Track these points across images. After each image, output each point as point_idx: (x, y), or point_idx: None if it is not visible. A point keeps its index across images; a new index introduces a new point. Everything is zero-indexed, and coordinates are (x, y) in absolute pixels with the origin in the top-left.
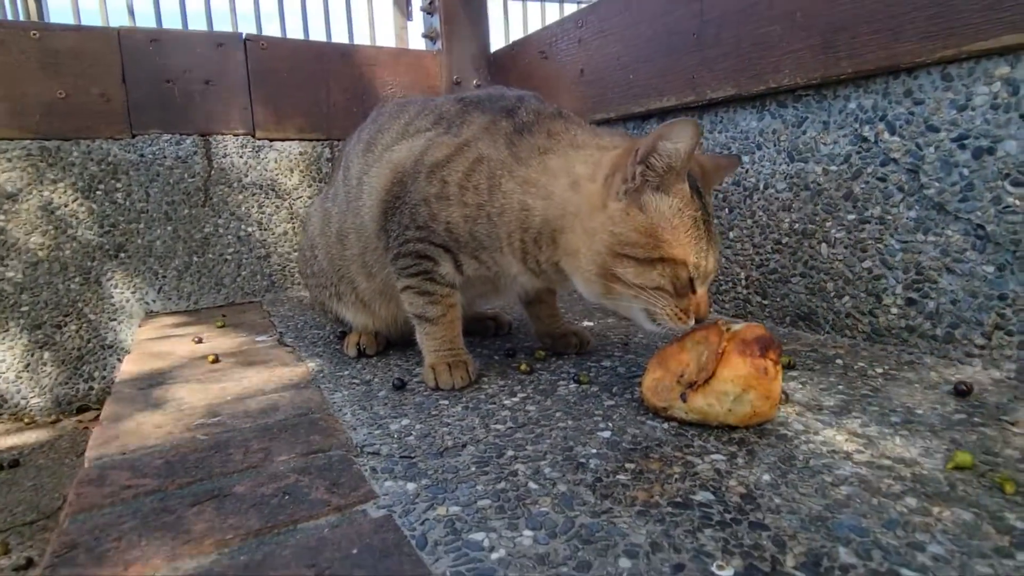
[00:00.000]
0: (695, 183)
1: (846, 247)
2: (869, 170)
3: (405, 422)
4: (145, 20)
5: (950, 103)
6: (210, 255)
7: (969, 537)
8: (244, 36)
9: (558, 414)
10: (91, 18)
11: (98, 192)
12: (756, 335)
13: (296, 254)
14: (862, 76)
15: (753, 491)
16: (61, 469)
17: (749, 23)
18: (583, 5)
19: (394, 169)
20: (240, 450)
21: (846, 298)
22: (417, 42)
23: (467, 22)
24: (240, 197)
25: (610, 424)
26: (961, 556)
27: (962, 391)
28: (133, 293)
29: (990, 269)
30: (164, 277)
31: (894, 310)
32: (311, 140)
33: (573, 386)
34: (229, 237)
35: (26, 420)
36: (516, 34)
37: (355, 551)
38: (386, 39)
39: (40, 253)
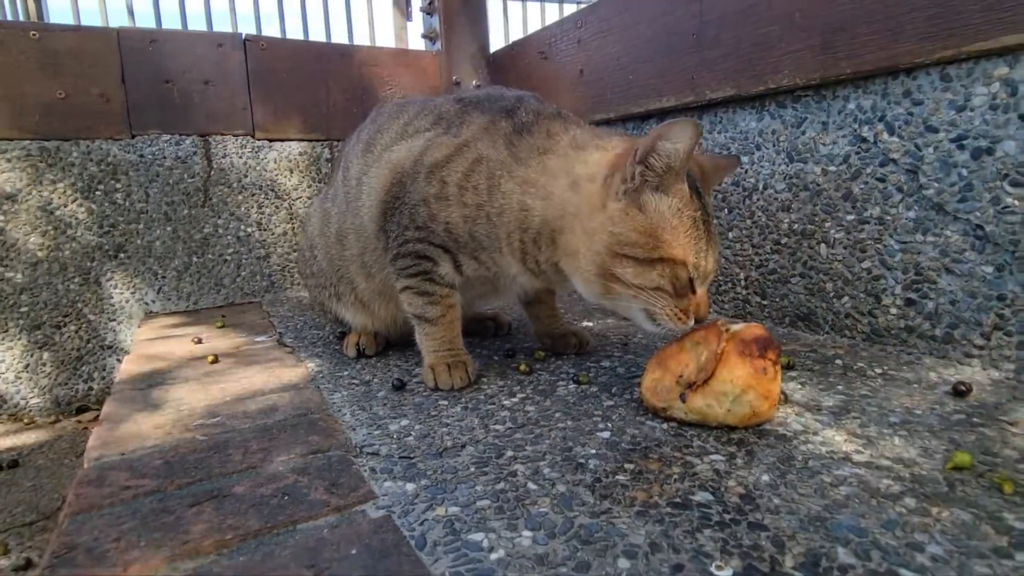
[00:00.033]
0: (694, 183)
1: (845, 247)
2: (868, 170)
3: (404, 422)
4: (145, 20)
5: (949, 103)
6: (210, 255)
7: (968, 537)
8: (244, 36)
9: (557, 414)
10: (91, 18)
11: (98, 192)
12: (755, 335)
13: (295, 254)
14: (861, 77)
15: (752, 491)
16: (60, 470)
17: (748, 24)
18: (583, 5)
19: (393, 169)
20: (239, 451)
21: (845, 298)
22: (417, 42)
23: (466, 22)
24: (240, 197)
25: (609, 424)
26: (960, 556)
27: (961, 391)
28: (132, 293)
29: (989, 269)
30: (164, 277)
31: (893, 310)
32: (310, 140)
33: (572, 386)
34: (229, 237)
35: (25, 420)
36: (516, 34)
37: (354, 551)
38: (386, 39)
39: (40, 253)
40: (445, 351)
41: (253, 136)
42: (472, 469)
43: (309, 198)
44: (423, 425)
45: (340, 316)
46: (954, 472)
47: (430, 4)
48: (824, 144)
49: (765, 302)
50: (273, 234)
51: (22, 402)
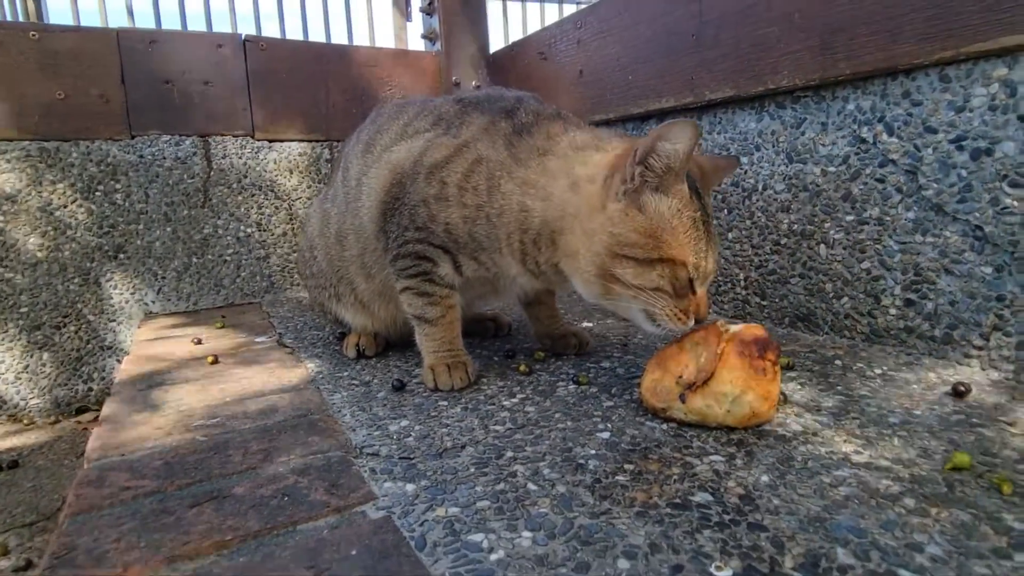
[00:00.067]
0: (694, 184)
1: (845, 248)
2: (867, 171)
3: (404, 423)
4: (144, 21)
5: (948, 104)
6: (209, 256)
7: (967, 538)
8: (243, 37)
9: (557, 415)
10: (90, 19)
11: (97, 193)
12: (755, 336)
13: (295, 255)
14: (860, 77)
15: (752, 492)
16: (60, 470)
17: (747, 24)
18: (582, 6)
19: (393, 170)
20: (239, 451)
21: (845, 299)
22: (416, 43)
23: (466, 23)
24: (239, 198)
25: (609, 425)
26: (959, 557)
27: (960, 392)
28: (132, 294)
29: (988, 270)
30: (163, 278)
31: (892, 311)
32: (310, 141)
33: (572, 387)
34: (228, 238)
35: (25, 421)
36: (515, 35)
37: (354, 552)
38: (385, 40)
39: (39, 254)
40: (445, 352)
41: (253, 137)
42: (472, 470)
43: (309, 199)
44: (423, 426)
45: (340, 317)
46: (953, 473)
47: (430, 4)
48: (823, 145)
49: (764, 303)
50: (273, 235)
51: (22, 403)
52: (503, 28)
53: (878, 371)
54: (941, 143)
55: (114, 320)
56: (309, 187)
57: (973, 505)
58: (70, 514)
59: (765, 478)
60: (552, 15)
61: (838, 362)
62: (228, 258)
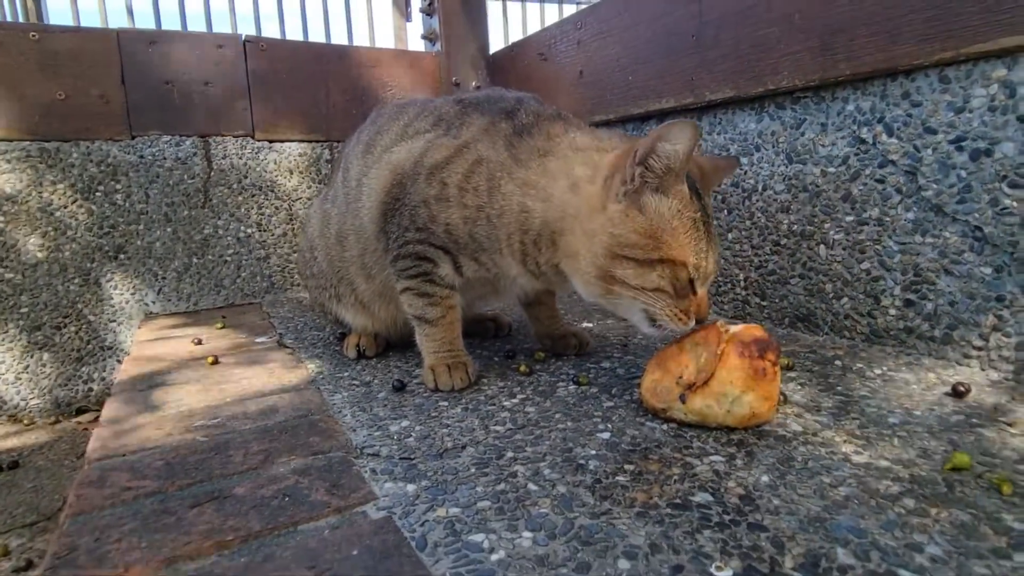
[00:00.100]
0: (694, 184)
1: (844, 248)
2: (867, 172)
3: (405, 423)
4: (144, 21)
5: (948, 105)
6: (210, 256)
7: (967, 538)
8: (244, 37)
9: (557, 415)
10: (90, 19)
11: (98, 193)
12: (755, 336)
13: (295, 255)
14: (860, 78)
15: (752, 492)
16: (60, 471)
17: (747, 25)
18: (582, 6)
19: (393, 171)
20: (240, 452)
21: (844, 299)
22: (416, 43)
23: (466, 23)
24: (240, 198)
25: (609, 425)
26: (959, 557)
27: (960, 392)
28: (133, 294)
29: (988, 271)
30: (164, 278)
31: (892, 311)
32: (310, 141)
33: (572, 387)
34: (229, 238)
35: (25, 421)
36: (515, 35)
37: (355, 552)
38: (385, 40)
39: (40, 254)
40: (445, 352)
41: (253, 137)
42: (472, 470)
43: (309, 199)
44: (423, 426)
45: (340, 317)
46: (953, 473)
47: (430, 5)
48: (823, 145)
49: (764, 303)
50: (273, 235)
51: (22, 403)
52: (503, 28)
53: (878, 371)
54: (941, 144)
55: (114, 320)
56: (309, 187)
57: (973, 505)
58: (71, 514)
59: (765, 478)
60: (552, 15)
61: (838, 362)
62: (228, 258)
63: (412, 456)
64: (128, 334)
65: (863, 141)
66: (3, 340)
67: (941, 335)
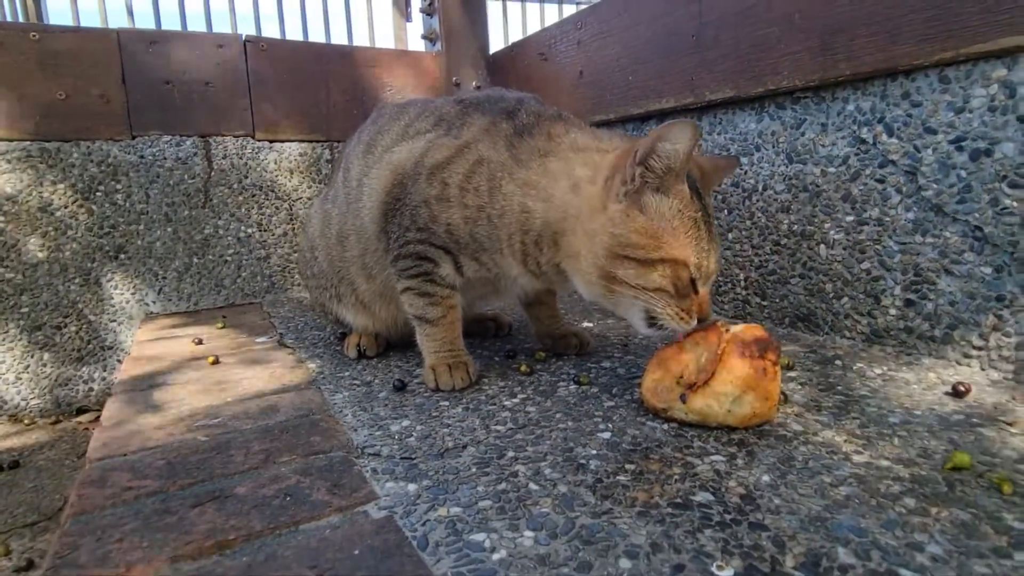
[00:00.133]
0: (694, 184)
1: (845, 248)
2: (867, 172)
3: (406, 423)
4: (144, 21)
5: (948, 105)
6: (210, 256)
7: (967, 537)
8: (244, 37)
9: (558, 415)
10: (90, 19)
11: (98, 193)
12: (755, 336)
13: (296, 255)
14: (860, 78)
15: (752, 492)
16: (61, 470)
17: (747, 25)
18: (582, 6)
19: (394, 171)
20: (241, 451)
21: (845, 299)
22: (416, 43)
23: (466, 23)
24: (240, 198)
25: (610, 425)
26: (959, 556)
27: (960, 392)
28: (133, 294)
29: (988, 270)
30: (164, 278)
31: (892, 311)
32: (311, 141)
33: (573, 387)
34: (229, 238)
35: (26, 421)
36: (515, 36)
37: (357, 552)
38: (385, 41)
39: (40, 254)
40: (446, 352)
41: (253, 137)
42: (474, 470)
43: (309, 199)
44: (424, 426)
45: (341, 317)
46: (953, 472)
47: (430, 5)
48: (823, 145)
49: (765, 303)
50: (273, 235)
51: (23, 403)
52: (503, 29)
53: (878, 371)
54: (941, 144)
55: (115, 320)
56: (310, 187)
57: (973, 505)
58: (72, 514)
59: (766, 478)
60: (552, 16)
61: (838, 362)
62: (229, 258)
63: (413, 456)
64: (128, 334)
65: (863, 141)
66: (4, 340)
67: (941, 335)
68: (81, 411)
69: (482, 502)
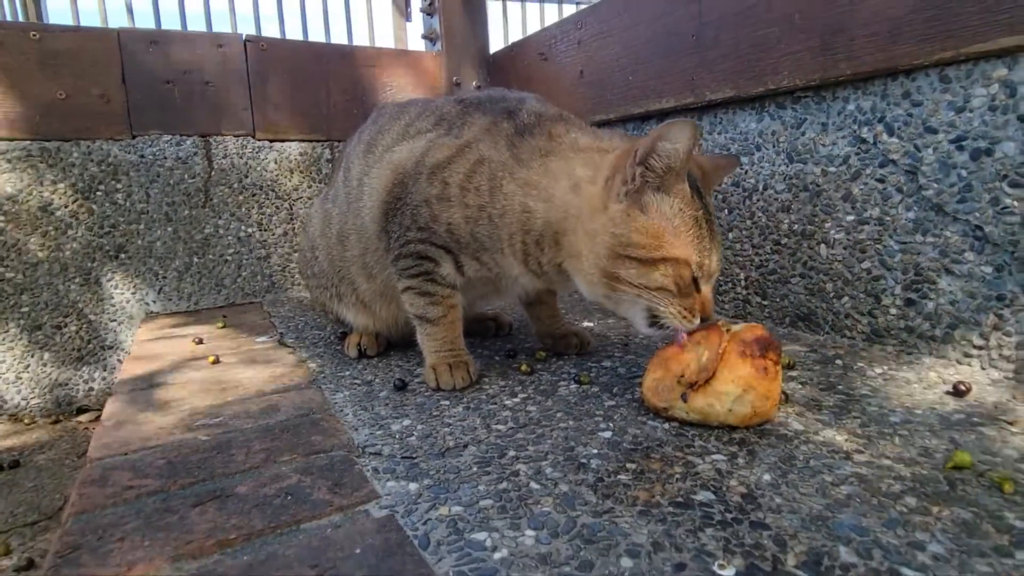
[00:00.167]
0: (695, 183)
1: (845, 248)
2: (868, 171)
3: (406, 422)
4: (144, 21)
5: (948, 105)
6: (210, 256)
7: (969, 536)
8: (244, 37)
9: (559, 414)
10: (90, 19)
11: (98, 193)
12: (756, 336)
13: (296, 255)
14: (861, 78)
15: (754, 491)
16: (61, 470)
17: (748, 25)
18: (582, 6)
19: (395, 170)
20: (242, 450)
21: (845, 299)
22: (416, 43)
23: (466, 23)
24: (240, 198)
25: (611, 424)
26: (961, 555)
27: (961, 391)
28: (133, 294)
29: (988, 270)
30: (164, 278)
31: (893, 311)
32: (311, 141)
33: (574, 386)
34: (229, 238)
35: (26, 421)
36: (515, 35)
37: (358, 551)
38: (385, 40)
39: (40, 254)
40: (447, 351)
41: (254, 136)
42: (475, 469)
43: (310, 199)
44: (425, 425)
45: (341, 316)
46: (954, 471)
47: (430, 5)
48: (824, 145)
49: (765, 302)
50: (274, 234)
51: (23, 402)
52: (503, 28)
53: (879, 370)
54: (941, 143)
55: (115, 320)
56: (310, 187)
57: (974, 504)
58: (73, 513)
59: (767, 477)
60: (552, 16)
61: (839, 361)
62: (229, 258)
63: (414, 455)
64: (129, 333)
65: (864, 141)
66: (4, 339)
67: (942, 334)
68: (81, 411)
69: (483, 501)
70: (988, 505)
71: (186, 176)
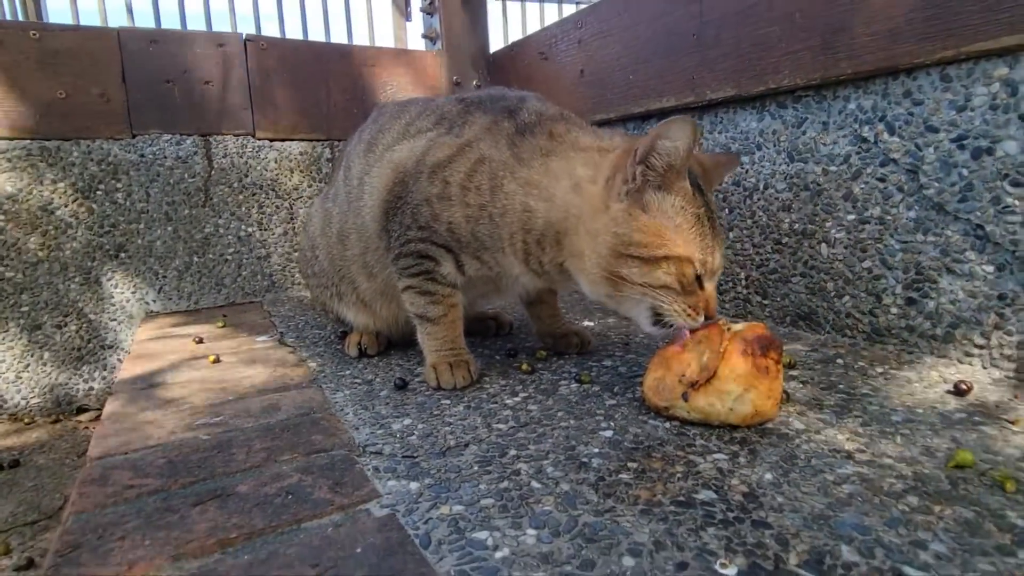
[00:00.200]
0: (696, 181)
1: (846, 247)
2: (869, 170)
3: (407, 422)
4: (144, 20)
5: (949, 104)
6: (210, 255)
7: (971, 535)
8: (244, 36)
9: (560, 413)
10: (90, 18)
11: (98, 192)
12: (757, 334)
13: (296, 254)
14: (861, 77)
15: (755, 490)
16: (61, 469)
17: (748, 24)
18: (582, 6)
19: (395, 169)
20: (242, 450)
21: (846, 298)
22: (416, 43)
23: (467, 22)
24: (240, 197)
25: (612, 423)
26: (963, 554)
27: (962, 390)
28: (133, 293)
29: (989, 269)
30: (164, 277)
31: (894, 310)
32: (311, 140)
33: (575, 386)
34: (229, 237)
35: (26, 420)
36: (514, 35)
37: (359, 550)
38: (384, 40)
39: (40, 253)
40: (447, 350)
41: (254, 136)
42: (476, 468)
43: (310, 198)
44: (426, 424)
45: (342, 316)
46: (956, 470)
47: (430, 4)
48: (825, 144)
49: (766, 301)
50: (274, 234)
51: (23, 402)
52: (503, 28)
53: (880, 369)
54: (942, 142)
55: (115, 319)
56: (310, 186)
57: (976, 503)
58: (74, 512)
59: (769, 476)
60: (551, 15)
61: (840, 361)
62: (229, 257)
63: (415, 454)
64: (129, 333)
65: (864, 140)
66: (4, 339)
67: (943, 333)
68: (81, 410)
69: (484, 500)
70: (990, 504)
71: (186, 175)
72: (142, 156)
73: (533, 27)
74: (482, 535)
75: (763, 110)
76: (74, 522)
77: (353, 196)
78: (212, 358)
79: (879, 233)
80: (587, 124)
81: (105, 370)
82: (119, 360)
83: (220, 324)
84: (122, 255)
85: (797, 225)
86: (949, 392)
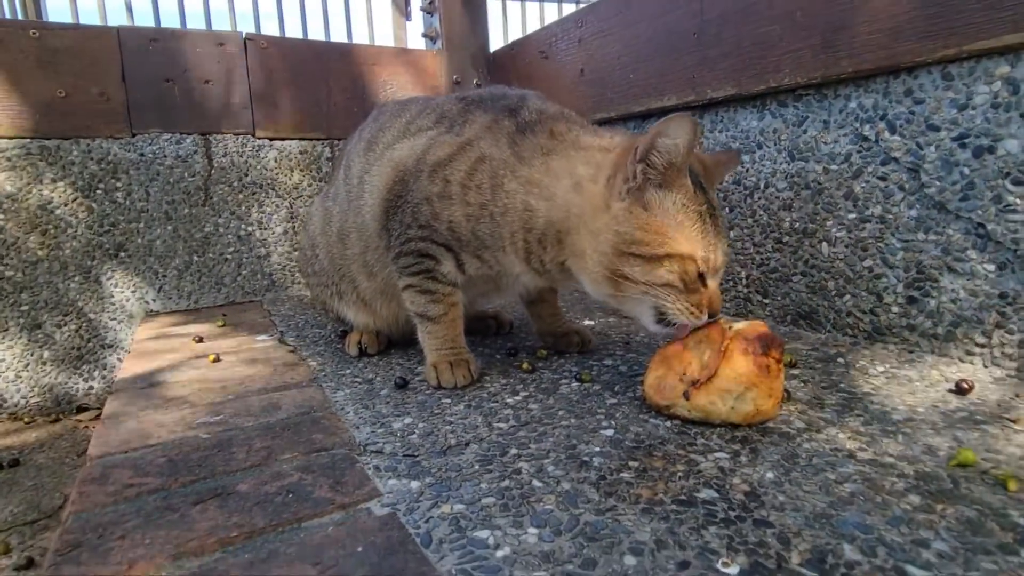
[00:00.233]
0: (697, 178)
1: (847, 246)
2: (870, 169)
3: (408, 420)
4: (143, 19)
5: (950, 102)
6: (210, 254)
7: (973, 534)
8: (244, 35)
9: (561, 412)
10: (89, 17)
11: (98, 191)
12: (759, 333)
13: (296, 253)
14: (862, 75)
15: (757, 489)
16: (61, 469)
17: (749, 23)
18: (582, 5)
19: (396, 168)
20: (243, 448)
21: (847, 297)
22: (415, 42)
23: (467, 22)
24: (240, 196)
25: (613, 422)
26: (965, 553)
27: (963, 389)
28: (133, 292)
29: (991, 268)
30: (164, 276)
31: (895, 309)
32: (311, 139)
33: (575, 385)
34: (229, 236)
35: (26, 419)
36: (515, 34)
37: (359, 549)
38: (384, 39)
39: (40, 252)
40: (448, 349)
41: (253, 135)
42: (476, 467)
43: (310, 197)
44: (426, 423)
45: (342, 315)
46: (958, 469)
47: (430, 3)
48: (825, 143)
49: (767, 300)
50: (274, 233)
51: (22, 401)
52: (503, 27)
53: (881, 368)
54: (944, 141)
55: (115, 318)
56: (310, 185)
57: (978, 501)
58: (74, 511)
59: (770, 475)
60: (551, 14)
61: (841, 360)
62: (229, 256)
63: (415, 453)
64: (128, 332)
65: (865, 138)
66: (3, 338)
67: (944, 332)
68: (81, 409)
69: (485, 499)
70: (992, 503)
71: (186, 174)
72: (142, 155)
73: (533, 26)
74: (483, 534)
75: (764, 109)
76: (74, 521)
77: (353, 195)
78: (212, 357)
79: (880, 232)
80: (588, 123)
81: (105, 369)
82: (119, 359)
83: (220, 323)
84: (122, 254)
85: (798, 224)
86: (950, 391)
